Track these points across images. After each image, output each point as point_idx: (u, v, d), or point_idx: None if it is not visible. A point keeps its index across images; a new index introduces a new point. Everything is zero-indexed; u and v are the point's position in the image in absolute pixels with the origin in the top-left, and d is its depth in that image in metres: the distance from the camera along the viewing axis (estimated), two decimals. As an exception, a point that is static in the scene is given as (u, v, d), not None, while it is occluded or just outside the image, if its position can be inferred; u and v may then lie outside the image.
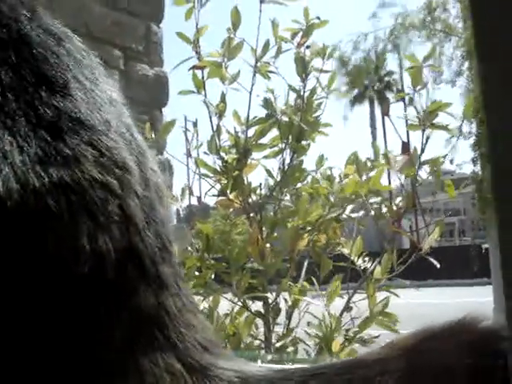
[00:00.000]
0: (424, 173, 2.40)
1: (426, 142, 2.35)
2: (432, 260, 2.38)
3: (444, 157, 2.41)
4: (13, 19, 0.64)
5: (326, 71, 2.57)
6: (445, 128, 2.37)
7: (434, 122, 2.32)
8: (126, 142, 0.62)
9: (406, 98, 2.46)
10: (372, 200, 2.58)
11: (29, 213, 0.53)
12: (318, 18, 2.52)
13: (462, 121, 2.43)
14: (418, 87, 2.36)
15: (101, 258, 0.55)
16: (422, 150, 2.37)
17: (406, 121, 2.52)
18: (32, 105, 0.58)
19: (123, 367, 0.56)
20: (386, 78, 32.47)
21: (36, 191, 0.53)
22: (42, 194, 0.53)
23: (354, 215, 2.62)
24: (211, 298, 2.47)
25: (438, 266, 2.36)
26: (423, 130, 2.34)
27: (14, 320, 0.53)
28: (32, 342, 0.53)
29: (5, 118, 0.56)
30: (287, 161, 2.60)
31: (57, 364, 0.54)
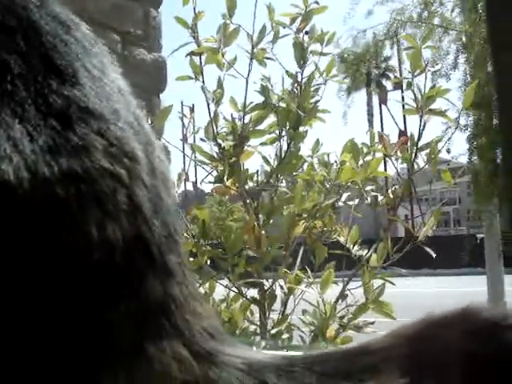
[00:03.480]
0: (421, 160, 2.41)
1: (423, 127, 2.35)
2: (427, 249, 2.40)
3: (440, 140, 2.41)
4: (21, 7, 0.64)
5: (326, 54, 2.56)
6: (442, 114, 2.37)
7: (431, 107, 2.32)
8: (134, 132, 0.62)
9: (405, 84, 2.45)
10: (368, 187, 2.59)
11: (39, 201, 0.53)
12: (317, 2, 2.51)
13: (461, 111, 2.43)
14: (417, 71, 2.34)
15: (109, 247, 0.55)
16: (420, 136, 2.37)
17: (403, 108, 2.52)
18: (41, 93, 0.58)
19: (131, 355, 0.57)
20: (384, 65, 32.40)
21: (46, 180, 0.53)
22: (52, 183, 0.54)
23: (350, 203, 2.63)
24: (207, 284, 2.49)
25: (434, 255, 2.38)
26: (421, 116, 2.33)
27: (22, 309, 0.53)
28: (39, 330, 0.54)
29: (15, 107, 0.56)
30: (284, 147, 2.60)
31: (64, 352, 0.55)
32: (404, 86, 2.43)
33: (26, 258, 0.53)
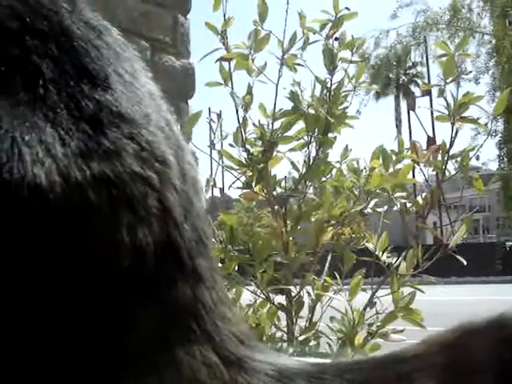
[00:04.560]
0: (451, 167, 2.37)
1: (456, 135, 2.31)
2: (458, 257, 2.36)
3: (473, 149, 2.37)
4: (53, 11, 0.64)
5: (356, 61, 2.55)
6: (475, 121, 2.33)
7: (463, 115, 2.28)
8: (165, 136, 0.62)
9: (435, 90, 2.41)
10: (397, 194, 2.56)
11: (70, 206, 0.53)
12: (348, 8, 2.50)
13: (493, 117, 2.39)
14: (450, 78, 2.30)
15: (140, 251, 0.55)
16: (451, 144, 2.34)
17: (432, 114, 2.49)
18: (73, 98, 0.58)
19: (160, 359, 0.56)
20: (412, 71, 32.18)
21: (78, 184, 0.54)
22: (84, 187, 0.54)
23: (379, 209, 2.61)
24: (234, 290, 2.48)
25: (465, 262, 2.34)
26: (452, 123, 2.30)
27: (51, 312, 0.53)
28: (70, 332, 0.54)
29: (47, 111, 0.57)
30: (313, 154, 2.59)
31: (93, 356, 0.55)
32: (434, 93, 2.40)
33: (58, 262, 0.53)
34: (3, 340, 0.52)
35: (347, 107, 2.60)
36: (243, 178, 2.61)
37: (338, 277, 2.44)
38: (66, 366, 0.53)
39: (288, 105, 2.56)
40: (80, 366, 0.53)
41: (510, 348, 0.55)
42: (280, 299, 2.54)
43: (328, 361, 0.71)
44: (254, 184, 2.55)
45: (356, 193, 2.58)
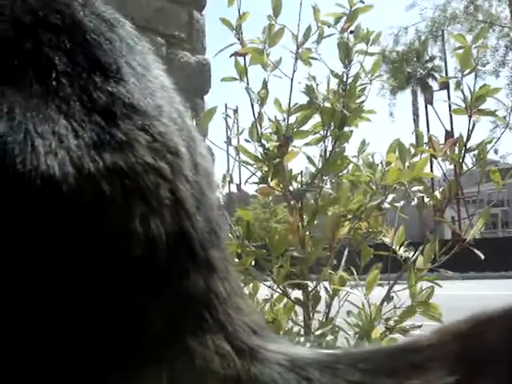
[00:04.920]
0: (468, 161, 2.35)
1: (473, 128, 2.28)
2: (476, 251, 2.34)
3: (490, 142, 2.34)
4: (66, 5, 0.65)
5: (372, 53, 2.53)
6: (492, 114, 2.30)
7: (480, 107, 2.25)
8: (177, 128, 0.63)
9: (453, 83, 2.39)
10: (414, 188, 2.55)
11: (84, 196, 0.54)
12: (362, 1, 2.49)
13: (511, 111, 2.36)
14: (467, 71, 2.28)
15: (152, 242, 0.56)
16: (468, 137, 2.31)
17: (450, 108, 2.47)
18: (86, 90, 0.59)
19: (173, 349, 0.57)
20: (429, 65, 31.95)
21: (91, 175, 0.54)
22: (97, 178, 0.54)
23: (396, 204, 2.59)
24: (251, 285, 2.49)
25: (483, 257, 2.32)
26: (469, 116, 2.27)
27: (64, 302, 0.54)
28: (81, 323, 0.54)
29: (60, 103, 0.57)
30: (329, 148, 2.58)
31: (106, 346, 0.55)
32: (452, 86, 2.38)
33: (71, 252, 0.54)
34: (13, 331, 0.53)
35: (364, 101, 2.58)
36: (259, 173, 2.61)
37: (354, 272, 2.43)
38: (78, 356, 0.54)
39: (303, 99, 2.56)
40: (90, 355, 0.54)
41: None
42: (297, 294, 2.54)
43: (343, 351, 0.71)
44: (269, 179, 2.55)
45: (373, 187, 2.56)
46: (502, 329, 0.55)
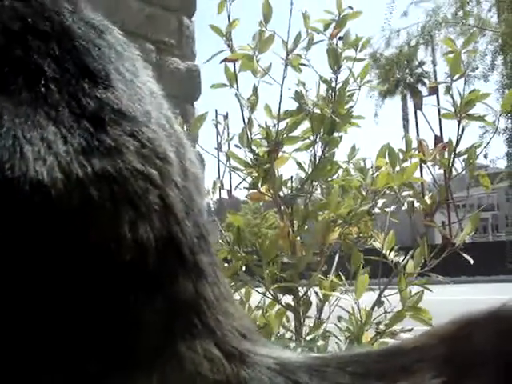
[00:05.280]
0: (458, 166, 2.37)
1: (462, 132, 2.29)
2: (465, 256, 2.35)
3: (479, 146, 2.35)
4: (55, 12, 0.65)
5: (360, 59, 2.55)
6: (482, 119, 2.31)
7: (470, 112, 2.26)
8: (166, 134, 0.63)
9: (442, 88, 2.40)
10: (404, 193, 2.56)
11: (72, 202, 0.54)
12: (351, 7, 2.50)
13: (500, 115, 2.37)
14: (457, 76, 2.29)
15: (142, 247, 0.56)
16: (458, 142, 2.32)
17: (439, 113, 2.48)
18: (75, 96, 0.59)
19: (162, 354, 0.57)
20: (418, 70, 32.09)
21: (79, 181, 0.54)
22: (86, 184, 0.54)
23: (386, 209, 2.60)
24: (243, 291, 2.49)
25: (472, 261, 2.33)
26: (459, 121, 2.28)
27: (53, 308, 0.54)
28: (70, 328, 0.54)
29: (48, 109, 0.57)
30: (319, 153, 2.59)
31: (95, 350, 0.55)
32: (441, 91, 2.39)
33: (60, 258, 0.54)
34: (5, 338, 0.53)
35: (353, 106, 2.59)
36: (249, 179, 2.61)
37: (344, 277, 2.44)
38: (70, 360, 0.54)
39: (293, 105, 2.56)
40: (79, 359, 0.54)
41: (511, 340, 0.55)
42: (288, 299, 2.54)
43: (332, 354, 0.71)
44: (260, 184, 2.56)
45: (363, 192, 2.57)
46: (488, 331, 0.56)
